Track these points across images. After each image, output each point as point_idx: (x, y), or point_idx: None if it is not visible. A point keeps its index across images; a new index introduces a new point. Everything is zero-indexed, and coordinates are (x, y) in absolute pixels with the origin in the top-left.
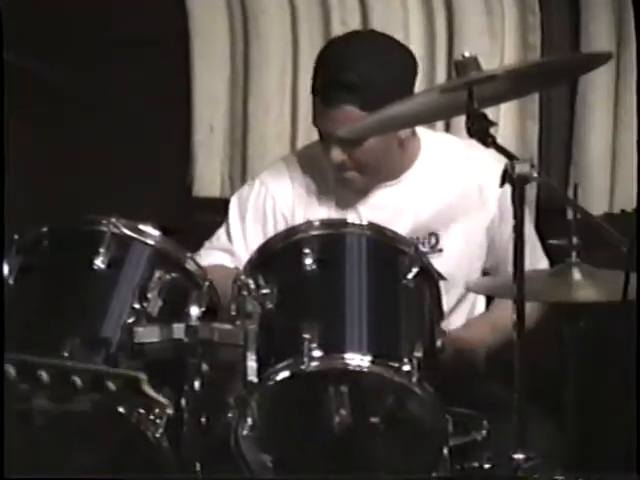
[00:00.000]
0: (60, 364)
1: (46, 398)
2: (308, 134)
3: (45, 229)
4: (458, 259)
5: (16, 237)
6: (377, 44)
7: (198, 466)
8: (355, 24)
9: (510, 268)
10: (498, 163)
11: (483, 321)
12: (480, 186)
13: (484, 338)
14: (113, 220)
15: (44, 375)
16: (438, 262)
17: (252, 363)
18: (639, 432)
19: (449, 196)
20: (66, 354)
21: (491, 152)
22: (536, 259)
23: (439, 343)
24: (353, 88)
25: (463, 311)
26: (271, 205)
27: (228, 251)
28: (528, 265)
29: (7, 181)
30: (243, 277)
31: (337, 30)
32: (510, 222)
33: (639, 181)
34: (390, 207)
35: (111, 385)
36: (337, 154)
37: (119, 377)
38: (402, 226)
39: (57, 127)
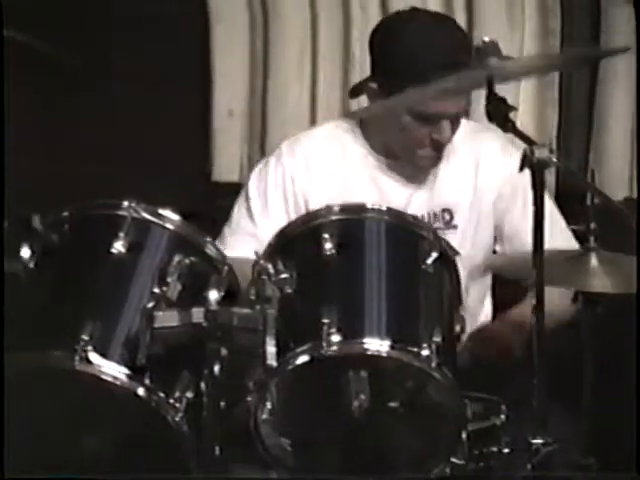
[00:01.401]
0: None
1: None
2: (327, 118)
3: (66, 213)
4: (472, 235)
5: (37, 219)
6: (448, 19)
7: (217, 450)
8: (374, 9)
9: (527, 247)
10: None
11: (514, 320)
12: (480, 164)
13: (514, 339)
14: (133, 204)
15: None
16: (452, 238)
17: (271, 348)
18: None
19: (461, 172)
20: (86, 337)
21: (497, 134)
22: (563, 238)
23: (458, 328)
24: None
25: (475, 290)
26: (291, 184)
27: (252, 235)
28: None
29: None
30: (262, 261)
31: (356, 14)
32: (521, 203)
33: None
34: (408, 183)
35: None
36: (447, 131)
37: None
38: (417, 201)
39: (75, 112)
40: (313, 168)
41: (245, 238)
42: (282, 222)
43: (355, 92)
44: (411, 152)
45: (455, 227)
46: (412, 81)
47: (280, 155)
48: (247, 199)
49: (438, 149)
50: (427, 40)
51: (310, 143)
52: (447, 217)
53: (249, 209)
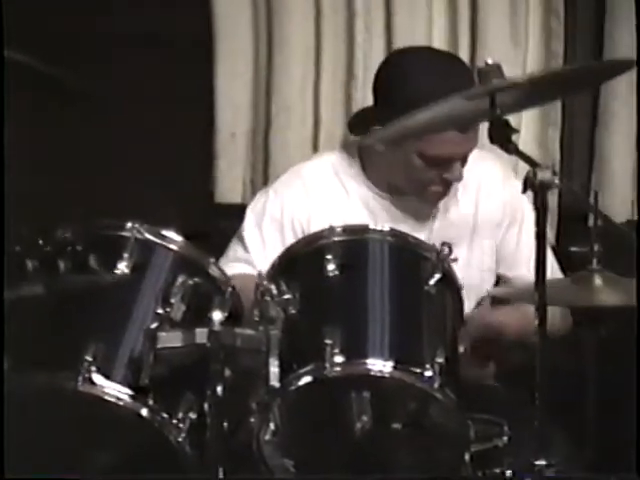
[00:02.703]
0: None
1: None
2: (330, 140)
3: (69, 234)
4: (470, 268)
5: (40, 242)
6: (455, 58)
7: (221, 471)
8: (379, 31)
9: (520, 273)
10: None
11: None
12: (482, 190)
13: (514, 323)
14: (136, 225)
15: None
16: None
17: (274, 368)
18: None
19: (462, 204)
20: (89, 358)
21: (494, 162)
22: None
23: (461, 349)
24: None
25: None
26: (288, 215)
27: (246, 261)
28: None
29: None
30: (265, 282)
31: (360, 36)
32: (517, 229)
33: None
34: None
35: None
36: (458, 170)
37: None
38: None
39: (76, 131)
40: (312, 202)
41: (240, 264)
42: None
43: (354, 127)
44: (420, 190)
45: (455, 260)
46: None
47: (278, 187)
48: (243, 230)
49: (448, 186)
50: (434, 79)
51: (310, 176)
52: (446, 250)
53: (243, 239)
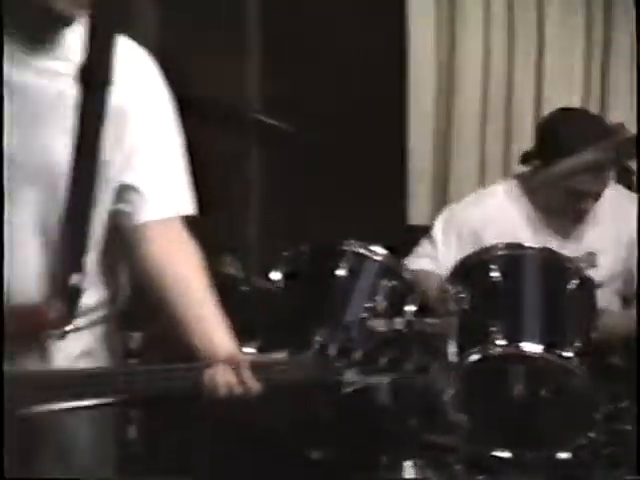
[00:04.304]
0: None
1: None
2: (494, 174)
3: (305, 248)
4: (607, 272)
5: (284, 253)
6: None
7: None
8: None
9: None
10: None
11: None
12: (617, 217)
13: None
14: (352, 242)
15: None
16: (593, 273)
17: (453, 348)
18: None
19: (603, 227)
20: (319, 339)
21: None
22: None
23: (593, 336)
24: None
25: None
26: (468, 226)
27: (431, 257)
28: None
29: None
30: (446, 285)
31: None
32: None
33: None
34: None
35: None
36: (588, 204)
37: None
38: (571, 248)
39: (281, 163)
40: (487, 218)
41: (425, 259)
42: (456, 255)
43: (524, 160)
44: (564, 210)
45: (594, 266)
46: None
47: (463, 204)
48: (433, 232)
49: (583, 212)
50: (585, 131)
51: (490, 198)
52: (591, 258)
53: (433, 239)
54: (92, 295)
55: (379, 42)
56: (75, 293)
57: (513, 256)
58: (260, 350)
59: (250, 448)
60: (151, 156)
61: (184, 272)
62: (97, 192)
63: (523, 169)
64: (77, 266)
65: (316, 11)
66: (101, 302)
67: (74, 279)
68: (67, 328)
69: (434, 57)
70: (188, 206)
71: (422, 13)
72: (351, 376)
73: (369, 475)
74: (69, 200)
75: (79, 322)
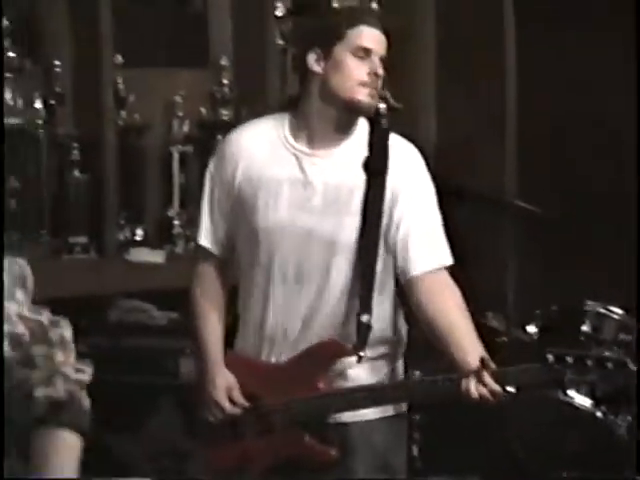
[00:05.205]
0: None
1: None
2: None
3: (555, 307)
4: None
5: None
6: None
7: None
8: None
9: None
10: None
11: None
12: None
13: None
14: (595, 303)
15: None
16: None
17: None
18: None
19: None
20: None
21: None
22: None
23: None
24: None
25: None
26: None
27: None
28: None
29: None
30: None
31: None
32: None
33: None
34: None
35: None
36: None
37: None
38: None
39: None
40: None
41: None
42: None
43: None
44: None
45: None
46: None
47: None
48: None
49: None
50: None
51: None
52: None
53: None
54: (378, 331)
55: None
56: (365, 329)
57: None
58: None
59: None
60: (415, 221)
61: (452, 317)
62: (378, 253)
63: None
64: (367, 308)
65: (575, 104)
66: (385, 338)
67: (364, 318)
68: (361, 354)
69: None
70: (448, 258)
71: None
72: None
73: None
74: (361, 261)
75: (369, 353)
